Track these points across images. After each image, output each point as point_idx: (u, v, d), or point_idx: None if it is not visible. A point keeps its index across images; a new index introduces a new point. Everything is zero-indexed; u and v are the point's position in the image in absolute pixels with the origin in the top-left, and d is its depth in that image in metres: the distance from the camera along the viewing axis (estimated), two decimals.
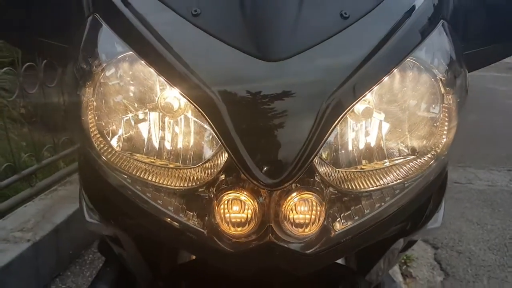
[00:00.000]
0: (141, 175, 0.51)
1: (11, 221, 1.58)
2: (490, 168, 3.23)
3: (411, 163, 0.52)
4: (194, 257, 0.73)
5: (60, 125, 1.97)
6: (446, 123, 0.51)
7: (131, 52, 0.49)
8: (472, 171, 3.14)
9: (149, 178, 0.51)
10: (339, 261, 0.73)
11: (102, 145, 0.51)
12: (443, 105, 0.51)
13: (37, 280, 1.51)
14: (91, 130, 0.50)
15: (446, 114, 0.51)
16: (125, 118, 0.51)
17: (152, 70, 0.49)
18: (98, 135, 0.51)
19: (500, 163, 3.36)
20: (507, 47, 0.65)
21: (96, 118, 0.50)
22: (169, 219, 0.51)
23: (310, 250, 0.50)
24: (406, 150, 0.52)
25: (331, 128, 0.47)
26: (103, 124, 0.51)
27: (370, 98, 0.51)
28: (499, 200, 2.62)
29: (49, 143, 1.77)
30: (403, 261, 1.90)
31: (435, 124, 0.51)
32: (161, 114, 0.51)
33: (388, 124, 0.53)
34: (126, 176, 0.52)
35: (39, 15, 0.62)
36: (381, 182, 0.52)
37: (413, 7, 0.52)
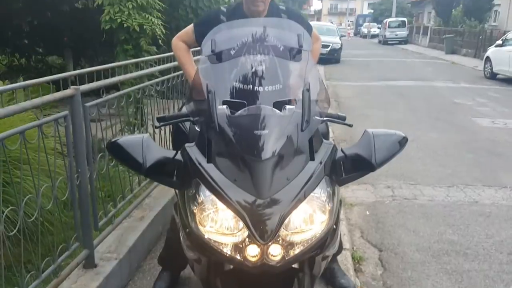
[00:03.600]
0: (213, 237, 1.39)
1: (101, 247, 2.46)
2: (434, 185, 4.08)
3: (315, 232, 1.40)
4: (230, 268, 1.61)
5: None
6: (326, 219, 1.40)
7: (211, 195, 1.37)
8: (419, 188, 4.01)
9: (215, 238, 1.39)
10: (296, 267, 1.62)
11: (199, 223, 1.39)
12: (326, 210, 1.40)
13: (121, 282, 2.41)
14: (196, 218, 1.39)
15: (327, 214, 1.40)
16: (207, 214, 1.40)
17: (217, 199, 1.37)
18: (198, 220, 1.39)
19: (444, 180, 4.21)
20: (363, 173, 1.55)
21: (197, 213, 1.38)
22: (227, 254, 1.38)
23: (279, 264, 1.37)
24: (314, 227, 1.41)
25: (285, 219, 1.35)
26: (200, 216, 1.39)
27: (300, 206, 1.39)
28: (434, 212, 3.51)
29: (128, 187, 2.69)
30: (356, 261, 2.79)
31: (323, 220, 1.40)
32: (220, 213, 1.39)
33: (307, 215, 1.42)
34: (206, 236, 1.40)
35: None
36: (305, 237, 1.40)
37: (314, 172, 1.40)
